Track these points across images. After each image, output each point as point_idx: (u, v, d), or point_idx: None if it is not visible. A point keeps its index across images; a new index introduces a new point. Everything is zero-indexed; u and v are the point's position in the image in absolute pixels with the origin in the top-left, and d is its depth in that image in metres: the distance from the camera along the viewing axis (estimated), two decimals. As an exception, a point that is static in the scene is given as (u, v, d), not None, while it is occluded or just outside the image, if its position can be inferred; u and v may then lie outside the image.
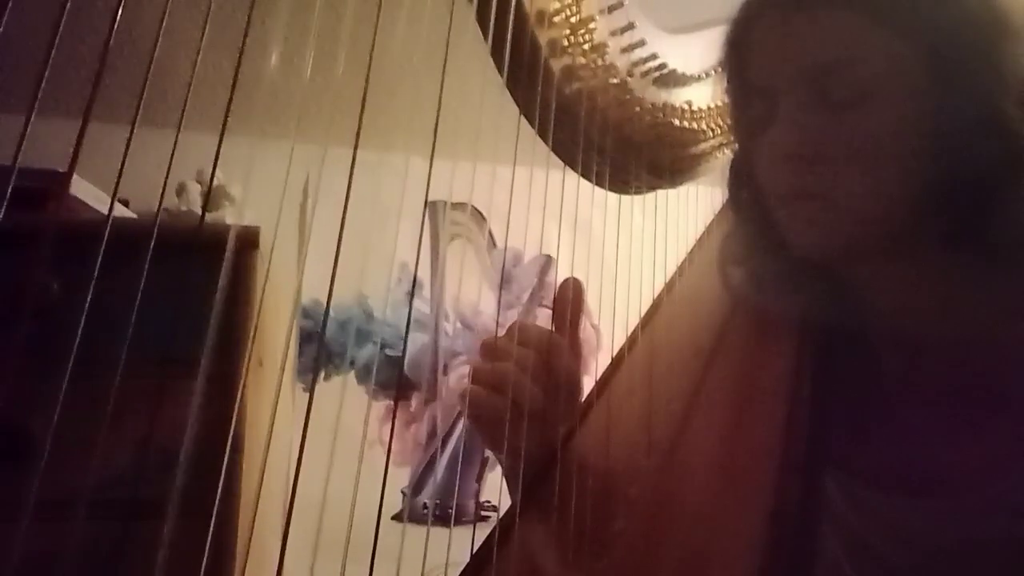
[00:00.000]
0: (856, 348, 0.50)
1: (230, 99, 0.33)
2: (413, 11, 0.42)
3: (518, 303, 1.47)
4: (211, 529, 0.33)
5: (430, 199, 1.39)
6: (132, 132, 0.29)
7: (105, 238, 0.27)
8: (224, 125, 0.33)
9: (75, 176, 0.84)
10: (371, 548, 0.36)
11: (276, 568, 0.33)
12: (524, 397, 0.46)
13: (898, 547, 0.48)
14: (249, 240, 0.82)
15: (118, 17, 0.28)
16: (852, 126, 0.42)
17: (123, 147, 0.32)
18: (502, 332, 0.51)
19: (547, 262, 1.46)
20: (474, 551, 0.44)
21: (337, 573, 0.35)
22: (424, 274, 1.46)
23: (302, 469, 0.34)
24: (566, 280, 0.51)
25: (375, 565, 0.36)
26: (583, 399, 0.52)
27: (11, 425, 0.61)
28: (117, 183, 0.31)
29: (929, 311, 0.46)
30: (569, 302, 0.50)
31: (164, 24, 0.32)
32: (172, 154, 0.33)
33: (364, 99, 0.37)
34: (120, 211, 0.98)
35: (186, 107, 0.36)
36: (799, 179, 0.43)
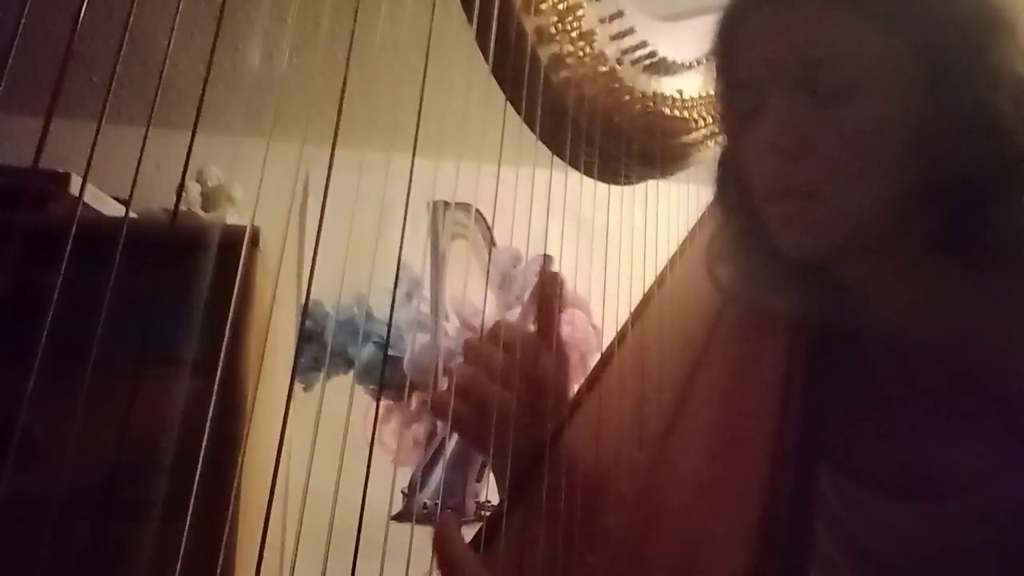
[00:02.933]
0: (848, 348, 0.49)
1: (202, 95, 0.33)
2: (414, 11, 0.42)
3: (518, 303, 1.47)
4: (210, 529, 0.33)
5: (430, 199, 1.40)
6: (146, 137, 0.28)
7: (121, 240, 0.27)
8: (195, 121, 0.32)
9: (73, 175, 0.85)
10: (369, 548, 0.35)
11: (277, 568, 0.33)
12: (490, 400, 0.46)
13: (894, 547, 0.47)
14: (250, 240, 0.83)
15: (129, 23, 0.28)
16: (839, 121, 0.41)
17: (123, 147, 0.32)
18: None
19: (547, 262, 1.46)
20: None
21: (335, 572, 0.35)
22: (424, 274, 1.47)
23: (301, 469, 0.34)
24: (543, 274, 0.51)
25: (375, 565, 0.35)
26: (573, 394, 0.52)
27: (9, 425, 0.61)
28: (133, 187, 0.30)
29: (919, 311, 0.46)
30: (547, 297, 0.50)
31: (169, 28, 0.32)
32: (187, 159, 0.33)
33: (342, 95, 0.37)
34: (120, 211, 0.99)
35: (194, 108, 0.36)
36: (785, 174, 0.43)
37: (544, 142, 0.48)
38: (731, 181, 0.50)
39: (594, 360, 0.55)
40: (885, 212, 0.42)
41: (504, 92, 0.45)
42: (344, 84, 0.36)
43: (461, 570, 0.37)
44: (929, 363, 0.46)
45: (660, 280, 0.57)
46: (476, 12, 0.41)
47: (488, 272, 1.39)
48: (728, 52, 0.47)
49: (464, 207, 1.36)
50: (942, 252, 0.42)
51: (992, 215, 0.40)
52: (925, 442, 0.45)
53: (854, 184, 0.42)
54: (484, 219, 1.36)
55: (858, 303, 0.48)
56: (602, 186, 0.53)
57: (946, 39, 0.40)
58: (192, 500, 0.35)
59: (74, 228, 0.28)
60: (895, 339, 0.47)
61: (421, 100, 0.40)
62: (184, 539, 0.32)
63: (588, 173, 0.50)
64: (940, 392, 0.46)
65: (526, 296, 1.43)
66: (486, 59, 0.42)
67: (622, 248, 0.54)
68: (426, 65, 0.38)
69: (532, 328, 0.51)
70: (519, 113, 0.46)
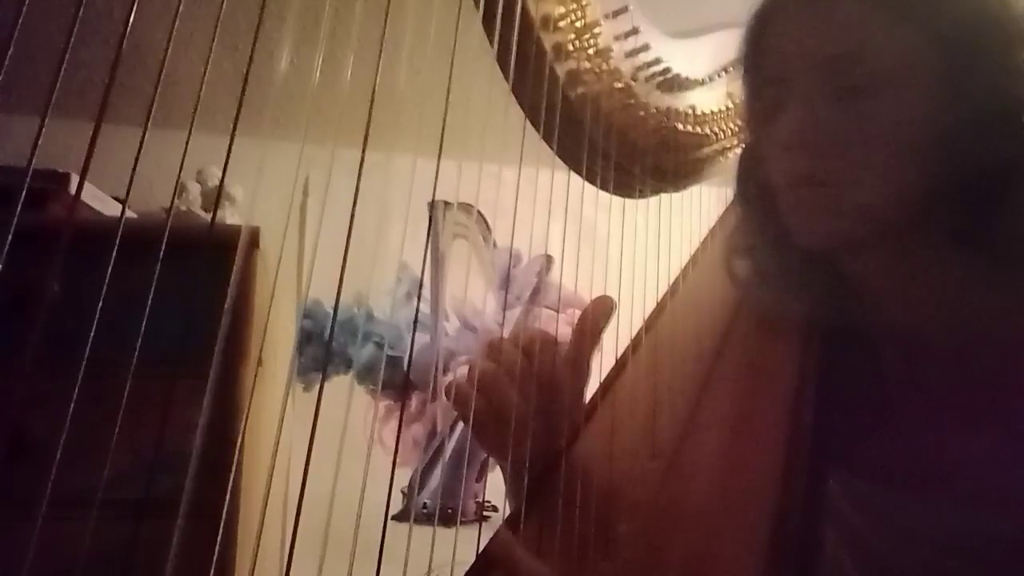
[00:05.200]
0: (858, 344, 0.50)
1: (240, 100, 0.33)
2: (419, 15, 0.42)
3: (518, 303, 1.48)
4: (220, 529, 0.33)
5: (433, 200, 1.40)
6: (144, 136, 0.29)
7: (117, 241, 0.27)
8: (235, 126, 0.33)
9: (73, 175, 0.84)
10: (371, 548, 0.36)
11: (276, 568, 0.33)
12: (504, 400, 0.46)
13: (900, 545, 0.48)
14: (250, 240, 0.82)
15: (130, 23, 0.28)
16: (863, 116, 0.42)
17: (123, 147, 0.32)
18: (504, 332, 0.51)
19: (547, 262, 1.46)
20: (477, 552, 0.44)
21: (337, 573, 0.35)
22: (425, 274, 1.46)
23: (301, 469, 0.34)
24: (600, 297, 0.51)
25: (380, 566, 0.36)
26: (587, 400, 0.52)
27: (17, 426, 0.61)
28: (129, 187, 0.30)
29: (932, 307, 0.46)
30: (594, 318, 0.50)
31: (172, 27, 0.32)
32: (184, 156, 0.33)
33: (372, 101, 0.37)
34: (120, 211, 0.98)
35: (193, 108, 0.36)
36: (805, 166, 0.43)
37: (561, 157, 0.48)
38: (752, 177, 0.50)
39: (594, 360, 0.55)
40: (905, 205, 0.43)
41: (523, 107, 0.46)
42: (374, 88, 0.36)
43: None
44: (940, 358, 0.46)
45: (672, 289, 0.57)
46: (497, 29, 0.41)
47: (488, 272, 1.39)
48: (756, 48, 0.47)
49: (465, 207, 1.36)
50: (961, 248, 0.43)
51: (1012, 212, 0.41)
52: (934, 437, 0.46)
53: (875, 176, 0.42)
54: (484, 219, 1.37)
55: (870, 299, 0.48)
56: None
57: (970, 36, 0.41)
58: (189, 500, 0.35)
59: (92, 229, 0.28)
60: (906, 334, 0.48)
61: (447, 103, 0.40)
62: (180, 539, 0.32)
63: (604, 187, 0.51)
64: (951, 387, 0.46)
65: (526, 296, 1.43)
66: (506, 77, 0.43)
67: (623, 249, 0.54)
68: (451, 73, 0.38)
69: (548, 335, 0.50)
70: (537, 129, 0.46)
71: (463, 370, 1.41)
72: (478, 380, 0.46)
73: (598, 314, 0.50)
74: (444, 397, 0.49)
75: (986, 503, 0.43)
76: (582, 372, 0.50)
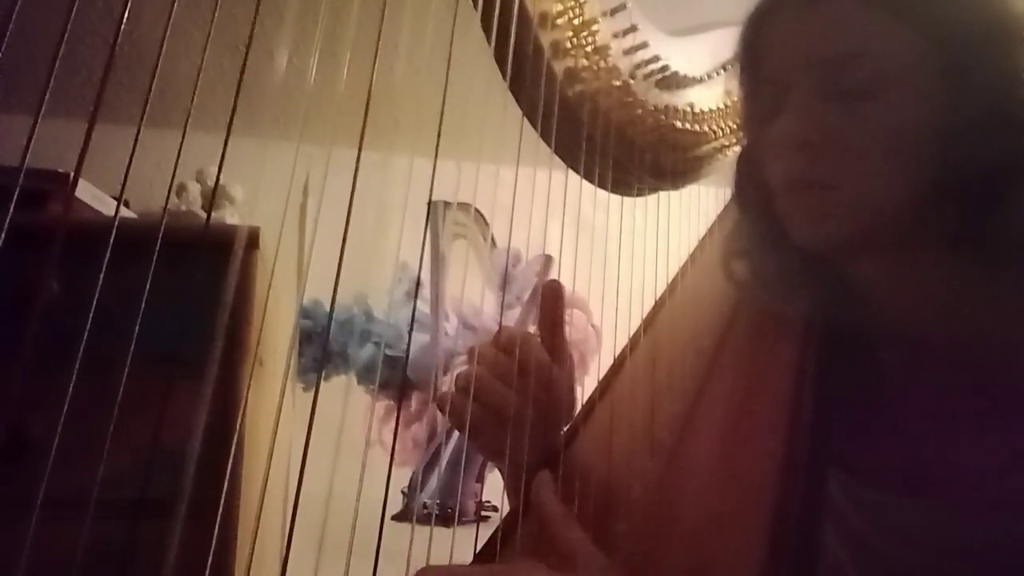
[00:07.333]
0: (857, 346, 0.50)
1: (236, 100, 0.33)
2: (417, 14, 0.42)
3: (518, 303, 1.48)
4: (216, 529, 0.33)
5: (432, 199, 1.39)
6: (137, 135, 0.29)
7: (111, 240, 0.27)
8: (230, 126, 0.33)
9: (74, 175, 0.83)
10: (371, 548, 0.36)
11: (277, 568, 0.33)
12: (493, 400, 0.46)
13: (901, 547, 0.48)
14: (249, 240, 0.82)
15: (124, 20, 0.28)
16: (861, 118, 0.42)
17: (123, 147, 0.32)
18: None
19: (547, 262, 1.47)
20: (476, 551, 0.44)
21: (337, 573, 0.35)
22: (425, 274, 1.47)
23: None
24: (548, 282, 0.52)
25: (377, 565, 0.36)
26: (585, 400, 0.52)
27: (14, 426, 0.61)
28: (123, 185, 0.30)
29: (931, 310, 0.46)
30: (550, 304, 0.51)
31: (167, 26, 0.32)
32: (178, 155, 0.33)
33: (368, 98, 0.37)
34: (120, 211, 0.98)
35: (190, 108, 0.36)
36: (803, 168, 0.43)
37: (559, 155, 0.48)
38: (749, 179, 0.50)
39: (594, 360, 0.55)
40: (905, 207, 0.43)
41: (520, 106, 0.46)
42: (370, 87, 0.36)
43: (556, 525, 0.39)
44: (940, 361, 0.46)
45: (671, 288, 0.57)
46: (495, 27, 0.41)
47: (488, 272, 1.39)
48: (754, 49, 0.47)
49: (464, 207, 1.36)
50: (960, 250, 0.43)
51: (1011, 213, 0.41)
52: (934, 440, 0.46)
53: (875, 178, 0.42)
54: (484, 219, 1.37)
55: (869, 301, 0.48)
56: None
57: (968, 37, 0.41)
58: (188, 500, 0.35)
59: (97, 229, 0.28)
60: (906, 337, 0.48)
61: (443, 103, 0.40)
62: (178, 538, 0.32)
63: (602, 185, 0.51)
64: (950, 390, 0.46)
65: (526, 296, 1.44)
66: (503, 74, 0.42)
67: (622, 248, 0.54)
68: (448, 73, 0.38)
69: (534, 331, 0.51)
70: (535, 127, 0.46)
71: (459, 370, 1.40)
72: (465, 386, 0.47)
73: (552, 299, 0.51)
74: (438, 411, 0.49)
75: (985, 504, 0.43)
76: (563, 359, 0.51)
